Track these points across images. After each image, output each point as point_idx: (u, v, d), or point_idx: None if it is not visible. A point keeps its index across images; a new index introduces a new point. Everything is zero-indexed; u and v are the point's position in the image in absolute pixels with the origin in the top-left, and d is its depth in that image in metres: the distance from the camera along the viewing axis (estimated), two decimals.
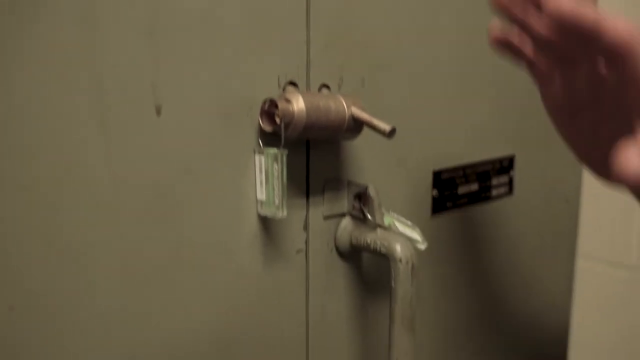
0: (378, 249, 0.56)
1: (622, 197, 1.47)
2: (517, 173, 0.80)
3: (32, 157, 0.40)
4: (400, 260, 0.55)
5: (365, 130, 0.55)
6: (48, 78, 0.40)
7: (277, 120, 0.49)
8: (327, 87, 0.55)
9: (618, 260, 1.53)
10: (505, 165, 0.78)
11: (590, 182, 1.10)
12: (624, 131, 0.44)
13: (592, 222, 1.32)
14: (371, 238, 0.57)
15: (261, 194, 0.51)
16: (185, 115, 0.47)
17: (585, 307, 1.40)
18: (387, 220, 0.59)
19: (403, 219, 0.60)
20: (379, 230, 0.58)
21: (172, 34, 0.45)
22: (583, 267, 1.36)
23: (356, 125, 0.53)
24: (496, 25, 0.47)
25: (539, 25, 0.43)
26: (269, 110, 0.50)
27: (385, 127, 0.51)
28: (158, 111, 0.45)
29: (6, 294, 0.40)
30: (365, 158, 0.60)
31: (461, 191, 0.72)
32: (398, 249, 0.55)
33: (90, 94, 0.42)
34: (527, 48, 0.47)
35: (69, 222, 0.42)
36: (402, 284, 0.55)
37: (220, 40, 0.48)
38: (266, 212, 0.51)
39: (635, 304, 1.51)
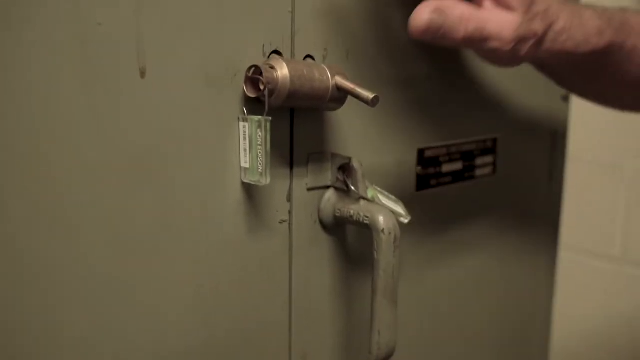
0: (361, 220, 0.57)
1: (605, 189, 1.48)
2: (501, 154, 0.80)
3: (15, 115, 0.40)
4: (383, 231, 0.55)
5: (351, 104, 0.55)
6: (31, 34, 0.40)
7: (261, 86, 0.49)
8: (312, 57, 0.56)
9: (601, 252, 1.54)
10: (489, 146, 0.79)
11: (573, 172, 1.12)
12: None
13: (574, 213, 1.33)
14: (354, 210, 0.57)
15: (245, 162, 0.51)
16: (169, 80, 0.47)
17: (568, 297, 1.41)
18: (370, 192, 0.59)
19: (387, 193, 0.61)
20: (362, 202, 0.58)
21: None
22: (566, 258, 1.37)
23: (340, 95, 0.53)
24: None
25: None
26: (253, 76, 0.50)
27: (369, 95, 0.52)
28: (142, 74, 0.45)
29: None
30: (349, 132, 0.60)
31: (445, 169, 0.73)
32: (381, 220, 0.56)
33: (74, 53, 0.42)
34: None
35: (52, 182, 0.42)
36: (385, 255, 0.56)
37: (206, 7, 0.48)
38: (250, 179, 0.51)
39: (618, 296, 1.53)
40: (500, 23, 0.56)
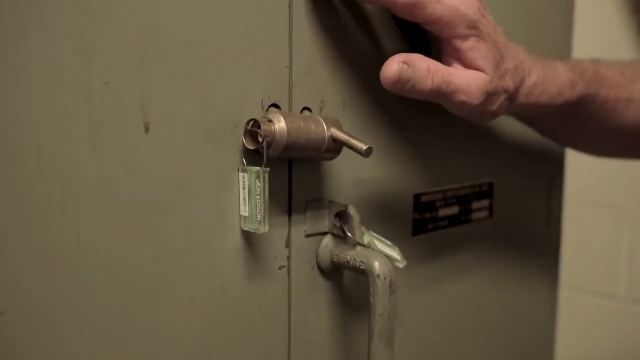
0: (358, 265, 0.59)
1: (605, 226, 1.48)
2: (497, 198, 0.82)
3: (24, 165, 0.42)
4: (379, 276, 0.57)
5: (348, 152, 0.58)
6: (40, 92, 0.42)
7: (260, 139, 0.51)
8: (309, 110, 0.58)
9: (604, 290, 1.55)
10: (485, 190, 0.80)
11: (572, 211, 1.13)
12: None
13: (575, 251, 1.34)
14: (351, 256, 0.59)
15: (244, 210, 0.53)
16: (172, 134, 0.49)
17: (570, 338, 1.41)
18: (366, 238, 0.61)
19: (382, 239, 0.63)
20: (358, 248, 0.60)
21: (161, 56, 0.48)
22: (567, 297, 1.37)
23: (336, 146, 0.56)
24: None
25: None
26: (252, 130, 0.52)
27: (362, 146, 0.54)
28: (147, 129, 0.48)
29: None
30: (347, 180, 0.63)
31: (442, 214, 0.74)
32: (376, 265, 0.57)
33: (81, 112, 0.44)
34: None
35: (59, 231, 0.44)
36: (381, 300, 0.57)
37: (206, 63, 0.51)
38: (249, 227, 0.53)
39: (622, 335, 1.52)
40: (468, 79, 0.58)
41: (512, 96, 0.61)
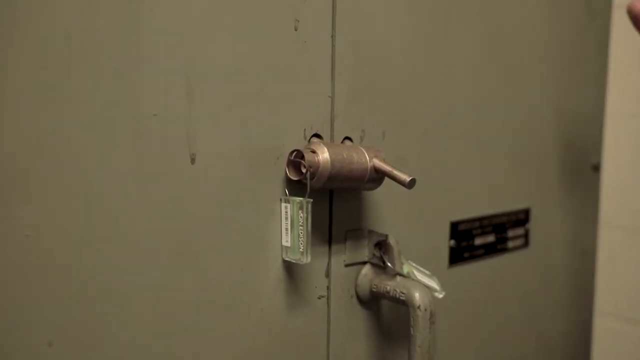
0: (397, 296, 0.58)
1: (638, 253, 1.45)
2: (533, 226, 0.81)
3: (72, 196, 0.43)
4: (419, 307, 0.57)
5: (386, 182, 0.57)
6: (90, 123, 0.43)
7: (303, 169, 0.51)
8: (350, 139, 0.58)
9: (638, 318, 1.51)
10: (521, 218, 0.80)
11: (605, 237, 1.12)
12: None
13: (609, 279, 1.32)
14: (391, 285, 0.59)
15: (286, 241, 0.53)
16: (217, 164, 0.49)
17: None
18: (406, 268, 0.60)
19: (421, 268, 0.62)
20: (398, 278, 0.59)
21: (207, 87, 0.48)
22: (601, 324, 1.35)
23: (377, 176, 0.56)
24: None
25: None
26: (295, 160, 0.52)
27: (405, 177, 0.54)
28: (192, 160, 0.48)
29: (45, 330, 0.42)
30: (385, 209, 0.62)
31: (478, 242, 0.74)
32: (417, 296, 0.57)
33: (128, 141, 0.45)
34: None
35: (105, 262, 0.45)
36: (421, 331, 0.57)
37: (250, 95, 0.51)
38: (291, 257, 0.53)
39: None
40: None
41: None
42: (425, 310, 0.57)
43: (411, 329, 0.57)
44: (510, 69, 0.76)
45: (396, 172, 0.54)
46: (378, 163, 0.55)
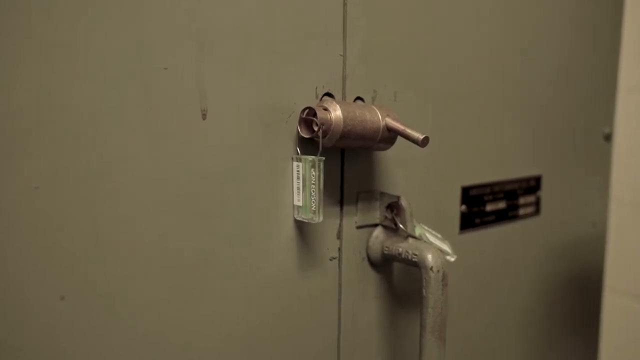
0: (409, 257, 0.58)
1: None
2: (544, 194, 0.81)
3: (79, 153, 0.42)
4: (432, 269, 0.56)
5: (397, 144, 0.57)
6: (98, 77, 0.42)
7: (315, 127, 0.51)
8: (362, 99, 0.57)
9: None
10: (532, 185, 0.79)
11: (616, 214, 1.11)
12: None
13: (619, 255, 1.31)
14: (402, 247, 0.58)
15: (298, 200, 0.53)
16: (228, 121, 0.49)
17: (613, 339, 1.39)
18: (418, 230, 0.60)
19: (433, 231, 0.62)
20: (410, 240, 0.59)
21: (219, 44, 0.48)
22: (611, 300, 1.35)
23: (390, 136, 0.55)
24: None
25: None
26: (307, 118, 0.52)
27: (419, 136, 0.53)
28: (204, 115, 0.47)
29: (57, 284, 0.42)
30: (396, 172, 0.62)
31: (489, 208, 0.73)
32: (429, 257, 0.57)
33: (139, 95, 0.44)
34: None
35: (116, 215, 0.44)
36: (433, 292, 0.56)
37: (262, 53, 0.50)
38: (303, 216, 0.53)
39: None
40: None
41: None
42: (438, 271, 0.56)
43: (423, 291, 0.57)
44: (524, 36, 0.75)
45: (409, 131, 0.54)
46: (391, 122, 0.54)
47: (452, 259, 0.62)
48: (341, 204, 0.58)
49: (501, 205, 0.75)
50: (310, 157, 0.52)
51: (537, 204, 0.80)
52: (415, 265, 0.58)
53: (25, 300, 0.41)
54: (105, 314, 0.44)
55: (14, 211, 0.40)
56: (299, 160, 0.52)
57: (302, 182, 0.52)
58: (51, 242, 0.41)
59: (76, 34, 0.41)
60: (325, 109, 0.51)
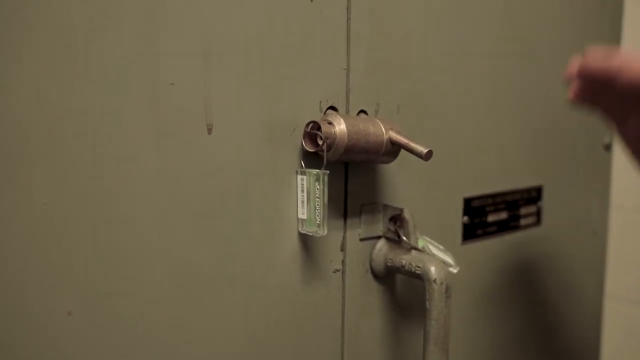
0: (413, 270, 0.58)
1: None
2: (545, 204, 0.81)
3: (89, 168, 0.42)
4: (435, 281, 0.56)
5: (400, 157, 0.57)
6: (107, 92, 0.43)
7: (320, 141, 0.51)
8: (365, 112, 0.58)
9: None
10: (533, 196, 0.79)
11: (616, 221, 1.11)
12: None
13: (619, 262, 1.31)
14: (406, 259, 0.59)
15: (302, 213, 0.53)
16: (233, 135, 0.49)
17: (614, 348, 1.38)
18: (421, 242, 0.60)
19: (436, 243, 0.62)
20: (413, 252, 0.59)
21: (224, 60, 0.48)
22: (611, 307, 1.35)
23: (393, 149, 0.55)
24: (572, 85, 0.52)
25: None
26: (312, 131, 0.52)
27: (422, 149, 0.53)
28: (209, 130, 0.48)
29: (65, 299, 0.42)
30: (399, 184, 0.62)
31: (491, 219, 0.74)
32: (432, 270, 0.57)
33: (146, 110, 0.45)
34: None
35: (122, 230, 0.44)
36: (437, 304, 0.56)
37: (266, 67, 0.51)
38: (307, 230, 0.53)
39: None
40: None
41: None
42: (442, 284, 0.57)
43: (427, 303, 0.57)
44: (525, 46, 0.75)
45: (413, 144, 0.54)
46: (394, 135, 0.55)
47: (455, 271, 0.62)
48: (345, 216, 0.58)
49: (503, 215, 0.75)
50: (315, 171, 0.52)
51: (538, 214, 0.81)
52: (418, 278, 0.58)
53: (33, 314, 0.41)
54: (110, 324, 0.45)
55: (23, 226, 0.40)
56: (304, 173, 0.53)
57: (306, 195, 0.53)
58: (60, 257, 0.42)
59: (87, 49, 0.41)
60: (330, 123, 0.52)
